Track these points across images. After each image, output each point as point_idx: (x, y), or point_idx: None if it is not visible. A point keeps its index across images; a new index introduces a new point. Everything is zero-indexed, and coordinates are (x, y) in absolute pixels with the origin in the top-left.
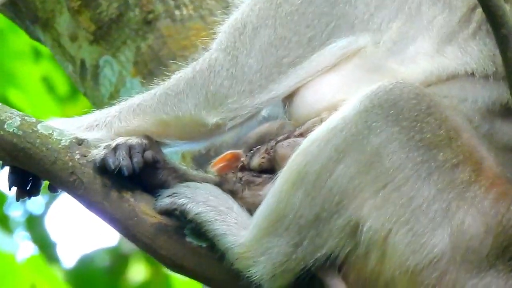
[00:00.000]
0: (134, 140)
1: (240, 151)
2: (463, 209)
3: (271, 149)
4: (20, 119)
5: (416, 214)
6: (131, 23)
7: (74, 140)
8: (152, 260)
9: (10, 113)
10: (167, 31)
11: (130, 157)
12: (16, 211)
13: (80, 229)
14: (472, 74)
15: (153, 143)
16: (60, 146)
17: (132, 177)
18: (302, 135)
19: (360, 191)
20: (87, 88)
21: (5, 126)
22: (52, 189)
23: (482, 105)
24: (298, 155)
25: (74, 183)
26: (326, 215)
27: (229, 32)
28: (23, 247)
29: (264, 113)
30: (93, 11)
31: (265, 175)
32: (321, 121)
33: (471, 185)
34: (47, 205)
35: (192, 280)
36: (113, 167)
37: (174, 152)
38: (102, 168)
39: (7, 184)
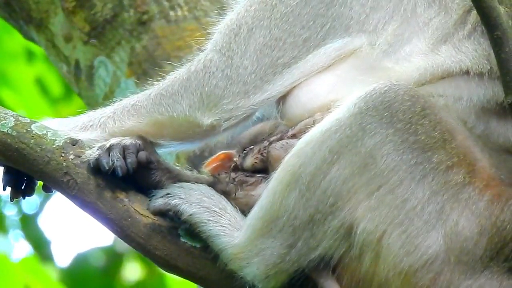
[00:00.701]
0: (128, 141)
1: (233, 151)
2: (457, 210)
3: (264, 149)
4: (14, 119)
5: (410, 216)
6: (126, 23)
7: (68, 141)
8: (147, 259)
9: (4, 114)
10: (162, 32)
11: (124, 158)
12: (10, 211)
13: (74, 228)
14: (467, 72)
15: (147, 143)
16: (54, 146)
17: (126, 177)
18: (295, 136)
19: (354, 192)
20: (82, 89)
21: None
22: (46, 189)
23: (478, 103)
24: (292, 157)
25: (68, 184)
26: (320, 216)
27: (224, 33)
28: (18, 246)
29: (257, 113)
30: (88, 12)
31: (258, 175)
32: (314, 122)
33: (465, 187)
34: (42, 204)
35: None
36: (107, 168)
37: (168, 153)
38: (96, 169)
39: (1, 184)
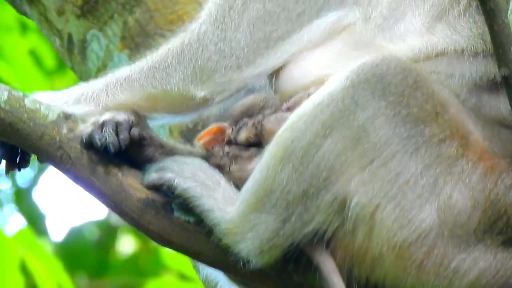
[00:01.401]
0: (121, 117)
1: (225, 124)
2: (451, 184)
3: (259, 123)
4: (7, 93)
5: (404, 190)
6: None
7: (61, 115)
8: (141, 233)
9: None
10: (154, 5)
11: (117, 134)
12: (4, 184)
13: (69, 202)
14: (462, 52)
15: (141, 119)
16: (47, 120)
17: (118, 153)
18: (289, 109)
19: (347, 166)
20: (75, 63)
21: None
22: (41, 160)
23: (470, 80)
24: (285, 131)
25: (62, 158)
26: (314, 191)
27: (219, 4)
28: (12, 221)
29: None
30: None
31: (252, 149)
32: (308, 96)
33: (458, 159)
34: (36, 178)
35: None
36: (99, 144)
37: (161, 126)
38: (89, 144)
39: None
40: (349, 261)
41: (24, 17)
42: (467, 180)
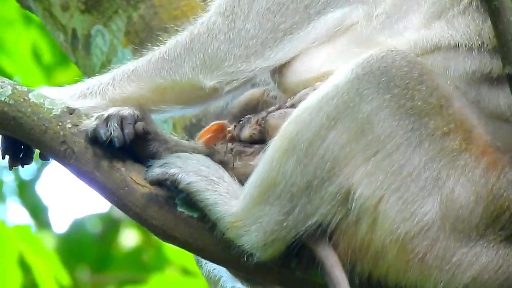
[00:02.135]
0: (126, 111)
1: (224, 122)
2: (453, 177)
3: (262, 120)
4: (11, 88)
5: (407, 182)
6: None
7: (65, 109)
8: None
9: (2, 82)
10: (159, 1)
11: (122, 128)
12: (7, 177)
13: (71, 195)
14: (456, 46)
15: (145, 114)
16: (51, 115)
17: (123, 148)
18: (293, 106)
19: (351, 158)
20: (79, 58)
21: None
22: (43, 157)
23: (464, 74)
24: (290, 124)
25: (65, 153)
26: (318, 182)
27: None
28: (15, 213)
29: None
30: None
31: (256, 146)
32: (314, 91)
33: (462, 153)
34: (39, 170)
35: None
36: (104, 138)
37: (164, 121)
38: (94, 139)
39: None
40: (352, 255)
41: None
42: (470, 174)
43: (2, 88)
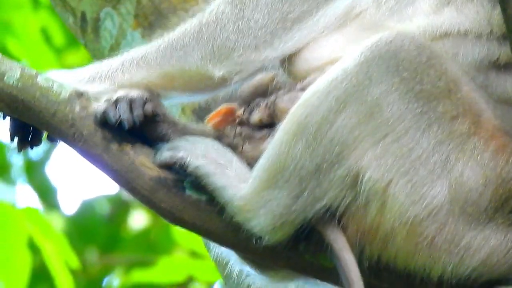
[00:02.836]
0: (135, 93)
1: (234, 105)
2: (462, 161)
3: (272, 103)
4: (20, 71)
5: (416, 165)
6: None
7: (74, 93)
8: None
9: (10, 65)
10: None
11: (131, 111)
12: (17, 159)
13: (80, 177)
14: (465, 33)
15: (154, 96)
16: (60, 98)
17: (132, 130)
18: (303, 89)
19: (360, 141)
20: (88, 40)
21: (5, 78)
22: (51, 138)
23: (472, 60)
24: (299, 107)
25: (74, 136)
26: (327, 166)
27: None
28: (24, 195)
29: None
30: None
31: (265, 130)
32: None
33: (470, 137)
34: (48, 152)
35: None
36: (113, 120)
37: (174, 105)
38: (103, 121)
39: (8, 135)
40: (360, 238)
41: None
42: (478, 157)
43: (10, 71)
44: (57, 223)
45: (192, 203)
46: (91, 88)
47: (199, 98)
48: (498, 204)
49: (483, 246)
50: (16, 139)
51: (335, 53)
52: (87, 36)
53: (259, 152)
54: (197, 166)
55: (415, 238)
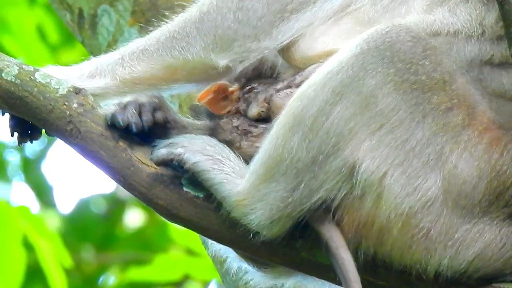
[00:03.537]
0: (144, 99)
1: (225, 82)
2: (457, 153)
3: (271, 97)
4: (17, 67)
5: (410, 157)
6: None
7: (71, 89)
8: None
9: (8, 62)
10: None
11: (140, 115)
12: (13, 156)
13: (77, 175)
14: (455, 33)
15: (163, 101)
16: (57, 95)
17: (140, 134)
18: (302, 83)
19: (356, 132)
20: (85, 37)
21: (3, 75)
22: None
23: (464, 57)
24: (295, 100)
25: (71, 132)
26: (323, 157)
27: None
28: (20, 193)
29: None
30: None
31: (262, 125)
32: None
33: (465, 129)
34: (44, 150)
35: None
36: (122, 124)
37: (171, 102)
38: (112, 125)
39: (8, 130)
40: (356, 230)
41: None
42: (472, 149)
43: (8, 67)
44: (53, 221)
45: (189, 200)
46: (91, 84)
47: (202, 88)
48: (492, 198)
49: (477, 239)
50: (15, 134)
51: (331, 44)
52: (84, 33)
53: (256, 149)
54: (194, 162)
55: (410, 230)
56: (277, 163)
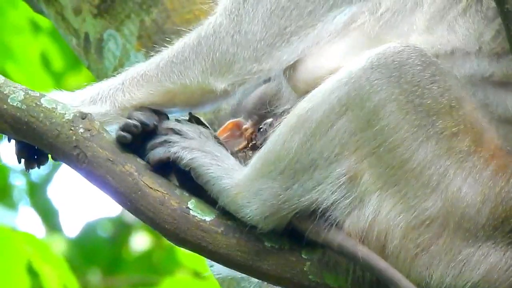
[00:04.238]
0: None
1: (240, 119)
2: (461, 177)
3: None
4: (23, 93)
5: (408, 176)
6: None
7: (77, 114)
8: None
9: (14, 87)
10: (171, 4)
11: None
12: (18, 181)
13: (83, 199)
14: (452, 52)
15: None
16: (63, 120)
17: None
18: None
19: (358, 146)
20: (91, 62)
21: (9, 100)
22: (56, 158)
23: (464, 75)
24: (303, 102)
25: (78, 157)
26: (322, 163)
27: None
28: (26, 217)
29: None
30: None
31: None
32: None
33: (470, 155)
34: (50, 174)
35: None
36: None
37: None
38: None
39: (15, 156)
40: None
41: (35, 18)
42: (477, 175)
43: (14, 93)
44: (59, 245)
45: (196, 224)
46: (93, 110)
47: (201, 110)
48: (497, 223)
49: (481, 262)
50: (22, 160)
51: (337, 62)
52: (90, 57)
53: None
54: (192, 158)
55: (410, 243)
56: (275, 161)
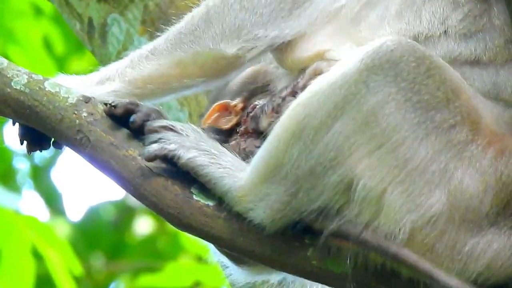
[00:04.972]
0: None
1: (227, 101)
2: (461, 169)
3: (278, 107)
4: (27, 76)
5: (412, 176)
6: None
7: (81, 98)
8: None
9: (17, 71)
10: None
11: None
12: (22, 164)
13: (86, 182)
14: (415, 37)
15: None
16: (67, 104)
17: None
18: (305, 86)
19: (355, 150)
20: (95, 46)
21: (12, 84)
22: (57, 145)
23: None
24: (299, 106)
25: (81, 141)
26: (321, 169)
27: None
28: (30, 201)
29: None
30: None
31: None
32: (322, 70)
33: (468, 145)
34: (54, 157)
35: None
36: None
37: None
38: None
39: (17, 138)
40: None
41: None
42: (477, 164)
43: (17, 76)
44: (62, 230)
45: (199, 209)
46: (101, 90)
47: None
48: (499, 208)
49: (486, 250)
50: (25, 143)
51: (325, 44)
52: (94, 42)
53: None
54: (190, 158)
55: (415, 244)
56: (278, 166)
